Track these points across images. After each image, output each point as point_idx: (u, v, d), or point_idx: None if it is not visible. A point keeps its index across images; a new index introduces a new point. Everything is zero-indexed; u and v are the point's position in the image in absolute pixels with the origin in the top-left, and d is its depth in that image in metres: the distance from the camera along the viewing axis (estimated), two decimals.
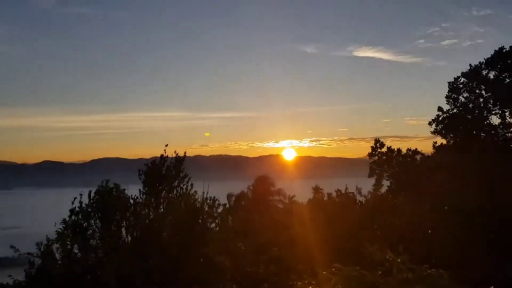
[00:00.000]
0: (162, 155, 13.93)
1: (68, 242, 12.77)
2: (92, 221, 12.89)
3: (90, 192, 13.08)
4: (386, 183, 30.20)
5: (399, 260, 8.30)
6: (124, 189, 13.43)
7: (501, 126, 28.12)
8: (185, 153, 14.17)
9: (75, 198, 12.93)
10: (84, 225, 12.85)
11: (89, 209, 12.85)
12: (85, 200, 13.06)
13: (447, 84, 29.60)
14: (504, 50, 28.46)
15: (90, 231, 12.91)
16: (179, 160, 14.06)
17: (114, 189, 13.13)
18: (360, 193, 30.89)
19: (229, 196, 36.15)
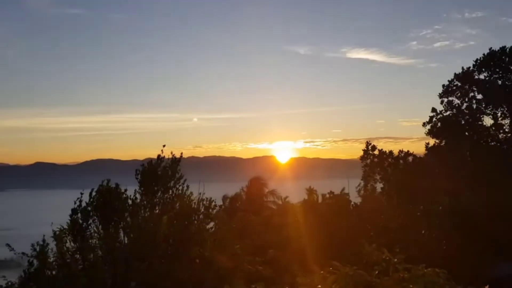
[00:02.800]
0: (159, 156, 13.92)
1: (68, 241, 12.77)
2: (91, 221, 12.88)
3: (92, 190, 13.07)
4: (379, 185, 30.39)
5: (396, 259, 8.39)
6: (126, 190, 13.43)
7: (493, 128, 28.44)
8: (181, 154, 14.19)
9: (78, 198, 12.94)
10: (84, 225, 12.84)
11: (89, 208, 12.84)
12: (85, 201, 13.06)
13: (440, 86, 29.96)
14: (495, 52, 28.80)
15: (89, 231, 12.90)
16: (175, 161, 14.04)
17: (115, 189, 13.13)
18: (355, 194, 31.06)
19: (224, 198, 36.08)
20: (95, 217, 12.93)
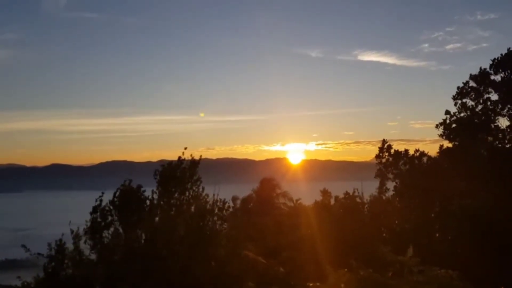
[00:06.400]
0: (179, 157, 14.17)
1: (87, 240, 13.00)
2: (110, 220, 13.12)
3: (115, 192, 13.30)
4: (391, 186, 30.16)
5: (410, 261, 8.42)
6: (144, 190, 13.67)
7: (508, 130, 28.03)
8: (200, 156, 14.45)
9: (99, 197, 13.20)
10: (102, 224, 13.09)
11: (107, 208, 13.09)
12: (106, 200, 13.30)
13: (452, 88, 29.59)
14: None
15: (107, 230, 13.15)
16: (194, 163, 14.28)
17: (136, 190, 13.39)
18: (366, 196, 30.88)
19: (234, 199, 36.16)
20: (114, 217, 13.17)
